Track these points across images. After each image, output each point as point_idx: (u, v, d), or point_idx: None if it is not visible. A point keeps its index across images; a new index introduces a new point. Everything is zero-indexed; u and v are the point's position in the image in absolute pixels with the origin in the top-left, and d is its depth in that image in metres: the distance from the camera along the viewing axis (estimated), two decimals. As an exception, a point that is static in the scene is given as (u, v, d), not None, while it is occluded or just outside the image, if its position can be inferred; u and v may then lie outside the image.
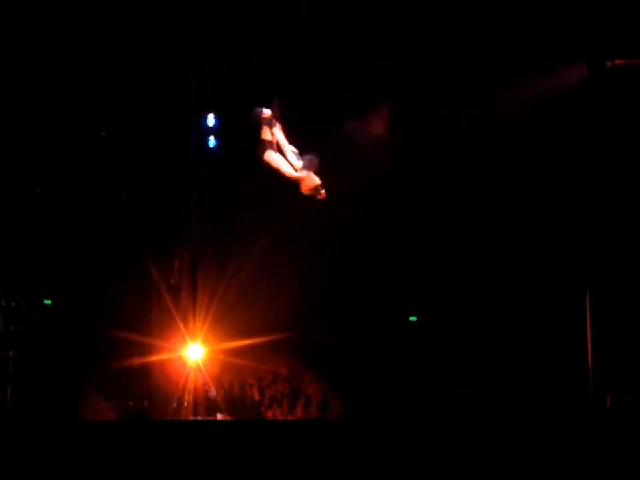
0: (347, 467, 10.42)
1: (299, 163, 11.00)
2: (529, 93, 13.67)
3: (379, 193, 14.58)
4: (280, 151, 11.09)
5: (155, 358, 14.39)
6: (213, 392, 14.65)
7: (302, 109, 12.90)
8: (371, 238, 14.75)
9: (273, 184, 11.14)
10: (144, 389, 14.38)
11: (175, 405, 14.55)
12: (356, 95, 14.34)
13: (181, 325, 14.55)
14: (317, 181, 10.99)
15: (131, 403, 14.36)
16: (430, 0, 13.42)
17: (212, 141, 14.83)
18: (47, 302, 14.33)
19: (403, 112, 14.35)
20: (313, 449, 10.56)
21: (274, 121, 11.08)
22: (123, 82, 14.18)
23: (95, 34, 13.62)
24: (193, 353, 14.51)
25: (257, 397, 14.93)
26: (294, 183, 11.00)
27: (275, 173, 11.06)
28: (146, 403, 14.42)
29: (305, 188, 11.07)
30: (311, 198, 11.04)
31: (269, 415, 14.83)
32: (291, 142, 11.12)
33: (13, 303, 14.02)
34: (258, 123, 11.13)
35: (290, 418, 14.57)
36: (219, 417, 14.40)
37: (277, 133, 11.09)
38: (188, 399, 14.55)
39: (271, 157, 11.14)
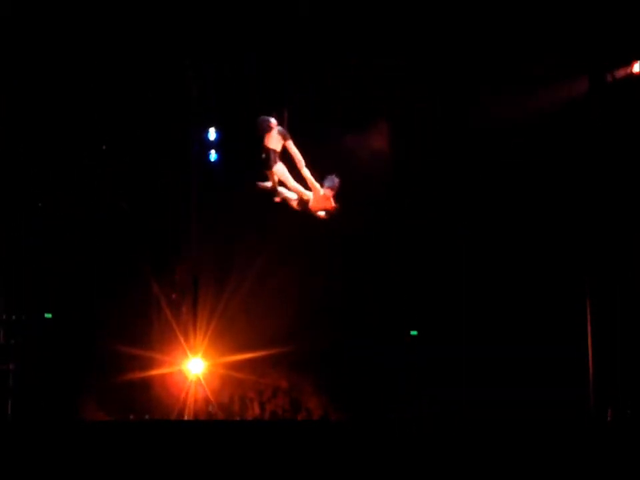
0: (347, 467, 10.42)
1: (311, 180, 11.05)
2: (531, 103, 13.72)
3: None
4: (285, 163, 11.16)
5: (155, 372, 14.40)
6: (214, 405, 14.66)
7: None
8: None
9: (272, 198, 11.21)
10: (145, 403, 14.37)
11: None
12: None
13: (182, 339, 14.55)
14: (332, 203, 11.07)
15: (131, 416, 14.35)
16: (431, 1, 13.42)
17: (213, 155, 14.82)
18: (48, 315, 14.32)
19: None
20: (313, 449, 10.56)
21: (287, 134, 11.11)
22: (123, 93, 14.19)
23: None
24: (194, 367, 14.52)
25: (257, 411, 14.92)
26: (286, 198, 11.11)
27: (276, 186, 11.11)
28: (147, 416, 14.41)
29: (317, 206, 11.12)
30: (310, 214, 11.11)
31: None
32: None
33: (14, 316, 14.02)
34: (264, 132, 11.15)
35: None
36: None
37: (291, 147, 11.08)
38: (188, 412, 14.55)
39: (280, 169, 11.18)
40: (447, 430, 11.65)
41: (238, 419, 14.68)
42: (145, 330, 14.57)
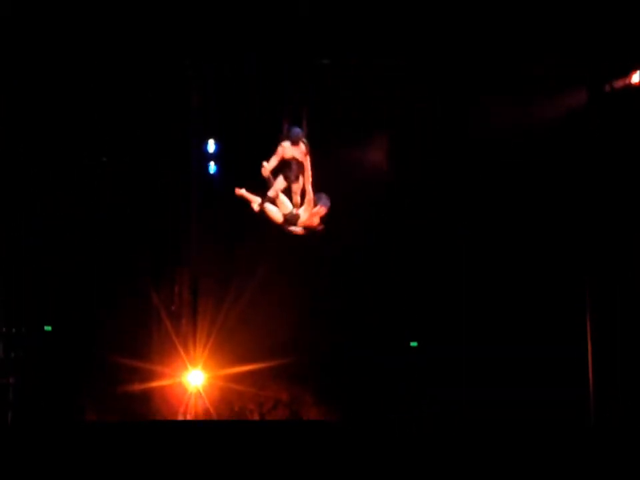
0: (348, 467, 10.43)
1: (310, 196, 11.05)
2: (530, 110, 13.78)
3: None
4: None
5: (155, 384, 14.39)
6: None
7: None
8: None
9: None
10: (145, 415, 14.35)
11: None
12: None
13: (181, 351, 14.55)
14: (315, 223, 11.09)
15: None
16: (432, 1, 13.42)
17: (212, 167, 14.80)
18: (48, 328, 14.32)
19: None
20: (313, 449, 10.57)
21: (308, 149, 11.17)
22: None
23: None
24: (194, 379, 14.51)
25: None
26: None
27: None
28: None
29: (304, 223, 11.14)
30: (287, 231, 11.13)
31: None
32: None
33: (14, 329, 14.01)
34: (294, 144, 11.19)
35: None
36: None
37: (308, 160, 11.09)
38: (188, 424, 14.53)
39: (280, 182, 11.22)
40: (447, 430, 11.66)
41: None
42: (144, 342, 14.54)
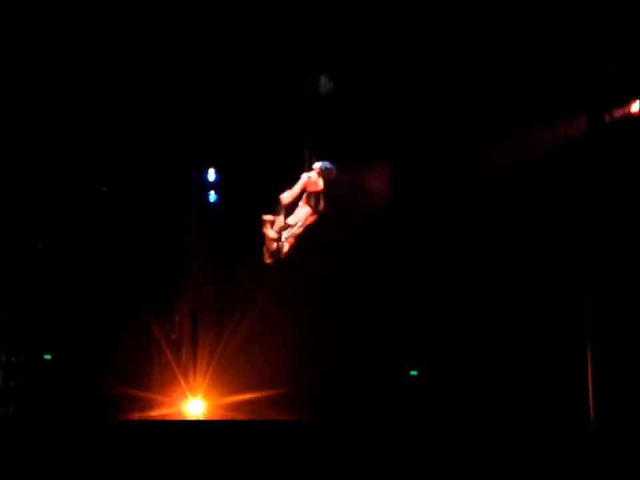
0: (348, 467, 10.43)
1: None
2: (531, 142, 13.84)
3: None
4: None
5: (155, 412, 14.35)
6: None
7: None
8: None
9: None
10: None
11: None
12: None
13: (182, 380, 14.53)
14: (320, 186, 11.01)
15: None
16: (432, 1, 13.44)
17: (212, 196, 14.77)
18: (47, 357, 14.29)
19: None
20: (313, 449, 10.57)
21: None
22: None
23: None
24: (194, 408, 14.49)
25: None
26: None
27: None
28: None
29: (312, 187, 11.05)
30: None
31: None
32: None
33: (13, 358, 14.00)
34: (328, 181, 11.15)
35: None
36: None
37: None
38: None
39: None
40: (447, 430, 11.67)
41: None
42: (145, 370, 14.51)
